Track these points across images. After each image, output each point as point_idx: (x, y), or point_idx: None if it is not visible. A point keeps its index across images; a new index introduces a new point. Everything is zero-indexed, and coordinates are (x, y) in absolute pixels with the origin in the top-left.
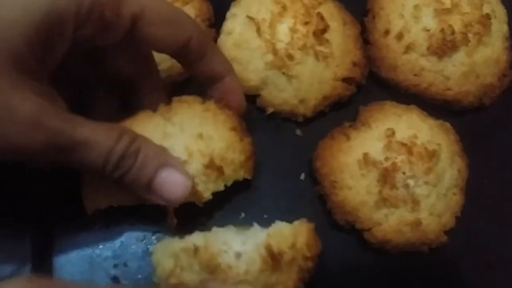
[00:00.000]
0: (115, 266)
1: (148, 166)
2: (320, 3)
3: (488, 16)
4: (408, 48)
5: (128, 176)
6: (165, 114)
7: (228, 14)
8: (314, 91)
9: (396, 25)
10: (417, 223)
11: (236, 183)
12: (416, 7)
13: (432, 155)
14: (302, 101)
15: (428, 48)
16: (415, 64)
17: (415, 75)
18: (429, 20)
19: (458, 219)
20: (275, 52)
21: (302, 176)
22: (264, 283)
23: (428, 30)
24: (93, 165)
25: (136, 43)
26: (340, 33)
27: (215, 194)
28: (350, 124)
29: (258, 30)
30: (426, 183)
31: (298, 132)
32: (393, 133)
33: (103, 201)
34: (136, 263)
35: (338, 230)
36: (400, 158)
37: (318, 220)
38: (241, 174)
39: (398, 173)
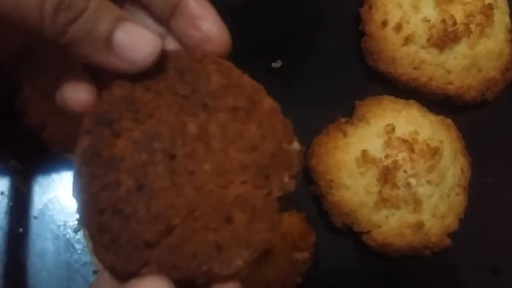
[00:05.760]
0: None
1: (105, 14)
2: None
3: (490, 7)
4: (407, 40)
5: (80, 25)
6: None
7: None
8: None
9: (394, 16)
10: (419, 225)
11: None
12: None
13: (434, 152)
14: None
15: (428, 40)
16: (414, 56)
17: (414, 68)
18: (429, 10)
19: (460, 221)
20: None
21: None
22: (259, 279)
23: (428, 21)
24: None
25: None
26: None
27: None
28: (346, 119)
29: None
30: (428, 182)
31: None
32: (393, 129)
33: None
34: None
35: (335, 233)
36: (401, 156)
37: (313, 223)
38: None
39: (399, 171)
